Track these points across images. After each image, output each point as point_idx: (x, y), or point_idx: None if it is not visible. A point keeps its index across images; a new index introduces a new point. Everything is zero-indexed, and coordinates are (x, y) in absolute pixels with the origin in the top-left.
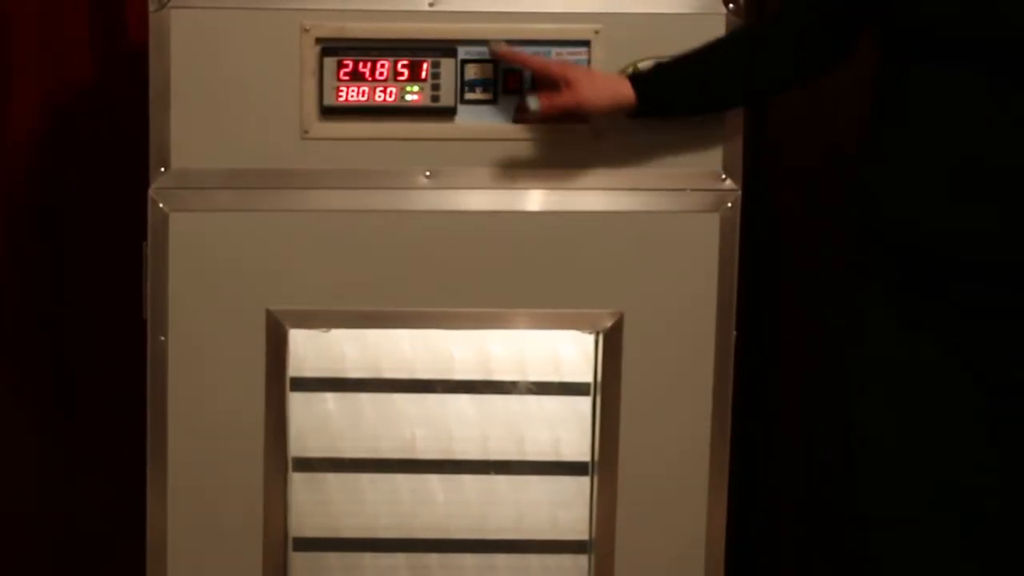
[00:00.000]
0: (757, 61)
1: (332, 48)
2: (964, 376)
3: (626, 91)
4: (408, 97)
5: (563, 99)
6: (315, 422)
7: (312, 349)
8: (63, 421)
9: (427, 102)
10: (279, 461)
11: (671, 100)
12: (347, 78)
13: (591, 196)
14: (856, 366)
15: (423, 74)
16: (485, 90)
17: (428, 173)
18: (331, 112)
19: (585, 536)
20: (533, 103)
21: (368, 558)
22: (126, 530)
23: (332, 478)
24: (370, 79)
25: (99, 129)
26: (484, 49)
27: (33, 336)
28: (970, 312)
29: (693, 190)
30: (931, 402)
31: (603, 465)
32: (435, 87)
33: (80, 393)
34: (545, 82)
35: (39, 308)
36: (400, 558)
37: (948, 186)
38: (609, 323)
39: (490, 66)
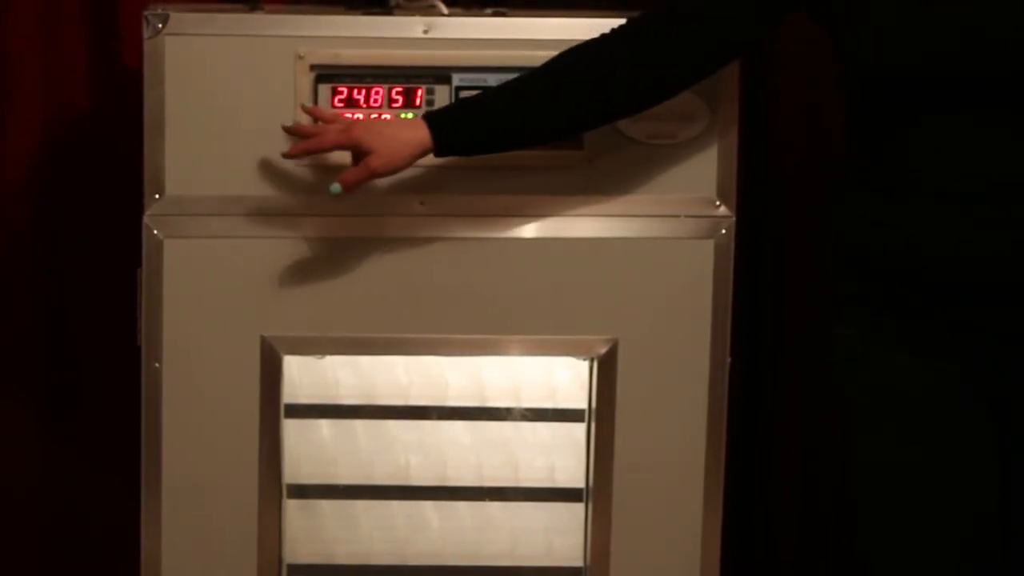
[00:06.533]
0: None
1: (327, 75)
2: (979, 403)
3: (421, 137)
4: None
5: (358, 174)
6: (309, 449)
7: (306, 376)
8: (62, 441)
9: None
10: (273, 488)
11: (474, 135)
12: (342, 105)
13: (585, 223)
14: (859, 400)
15: (418, 101)
16: None
17: (422, 201)
18: None
19: (580, 562)
20: (334, 188)
21: None
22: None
23: (326, 505)
24: (364, 106)
25: (95, 155)
26: (479, 76)
27: (27, 358)
28: (982, 337)
29: (687, 216)
30: (946, 433)
31: (598, 491)
32: None
33: (79, 419)
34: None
35: (37, 332)
36: None
37: (950, 209)
38: (604, 349)
39: None
